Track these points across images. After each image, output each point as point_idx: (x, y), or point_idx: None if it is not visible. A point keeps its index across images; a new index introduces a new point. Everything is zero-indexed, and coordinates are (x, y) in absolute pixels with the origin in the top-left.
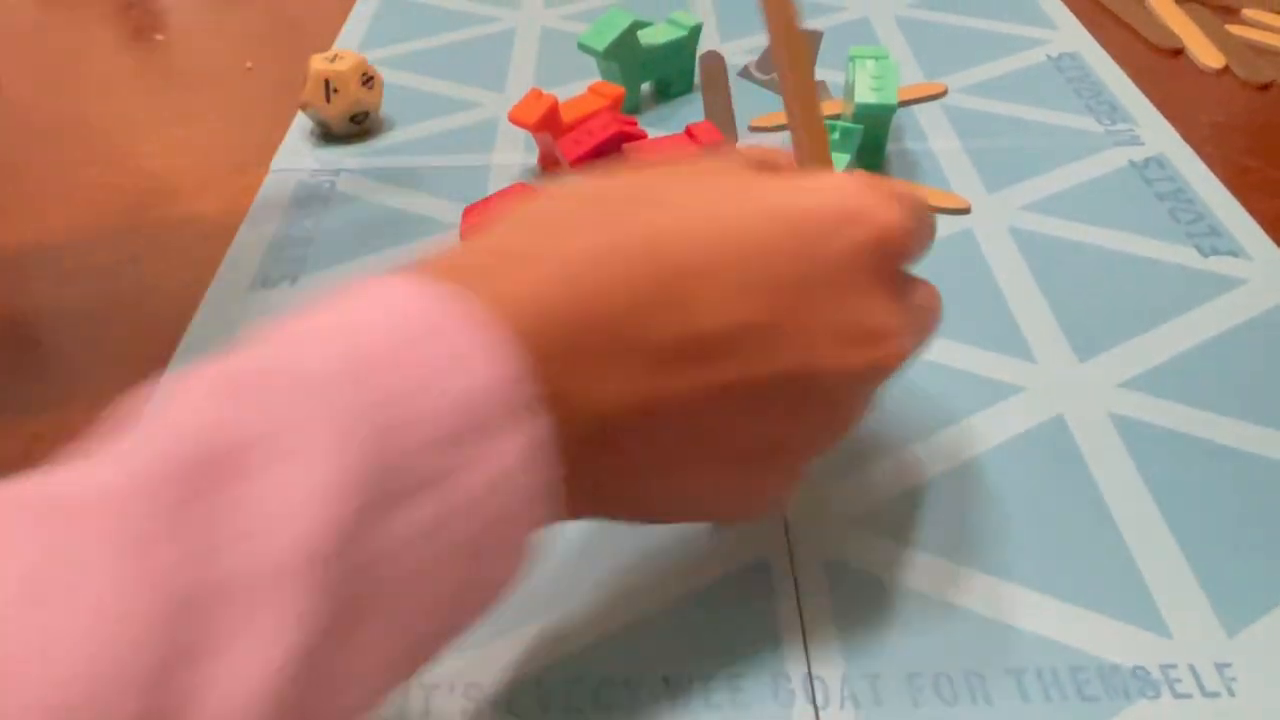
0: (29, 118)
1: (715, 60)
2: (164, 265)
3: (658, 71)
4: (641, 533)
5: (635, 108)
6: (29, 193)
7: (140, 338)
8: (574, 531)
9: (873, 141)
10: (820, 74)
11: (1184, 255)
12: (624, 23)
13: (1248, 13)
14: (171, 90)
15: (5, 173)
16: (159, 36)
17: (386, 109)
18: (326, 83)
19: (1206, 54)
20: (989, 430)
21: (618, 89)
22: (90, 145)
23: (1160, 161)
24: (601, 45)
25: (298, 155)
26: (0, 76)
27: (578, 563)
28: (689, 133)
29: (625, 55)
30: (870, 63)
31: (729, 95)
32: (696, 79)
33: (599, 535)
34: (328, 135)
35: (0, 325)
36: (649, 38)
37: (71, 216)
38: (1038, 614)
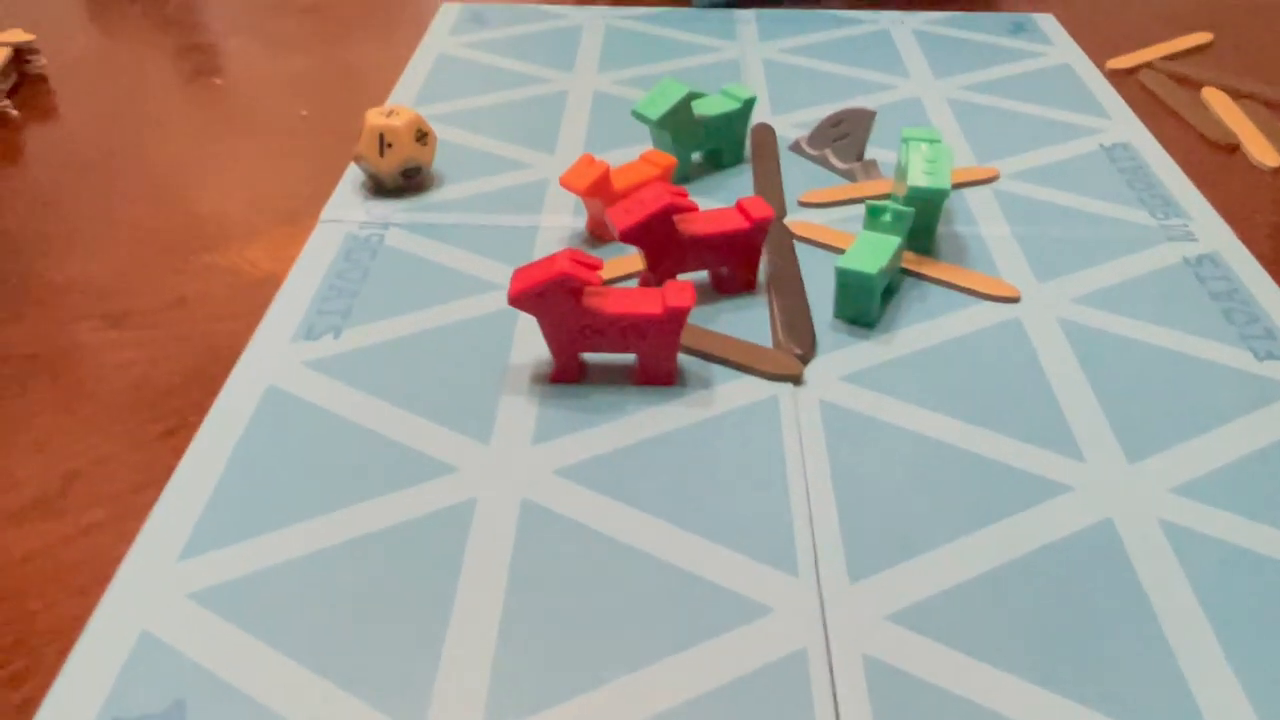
0: (82, 150)
1: (767, 133)
2: (209, 311)
3: (710, 142)
4: (679, 619)
5: (685, 177)
6: (77, 228)
7: (182, 383)
8: (610, 611)
9: (924, 224)
10: (871, 152)
11: (1238, 358)
12: (679, 94)
13: None
14: (225, 134)
15: (54, 205)
16: (218, 80)
17: (438, 165)
18: (381, 137)
19: (1263, 152)
20: (1035, 529)
21: (670, 159)
22: (141, 183)
23: (1214, 259)
24: (656, 115)
25: (348, 207)
26: (22, 108)
27: (614, 646)
28: (739, 207)
29: (679, 126)
30: (924, 146)
31: (779, 168)
32: (747, 151)
33: (636, 617)
34: (379, 188)
35: (44, 362)
36: (703, 109)
37: (119, 255)
38: None
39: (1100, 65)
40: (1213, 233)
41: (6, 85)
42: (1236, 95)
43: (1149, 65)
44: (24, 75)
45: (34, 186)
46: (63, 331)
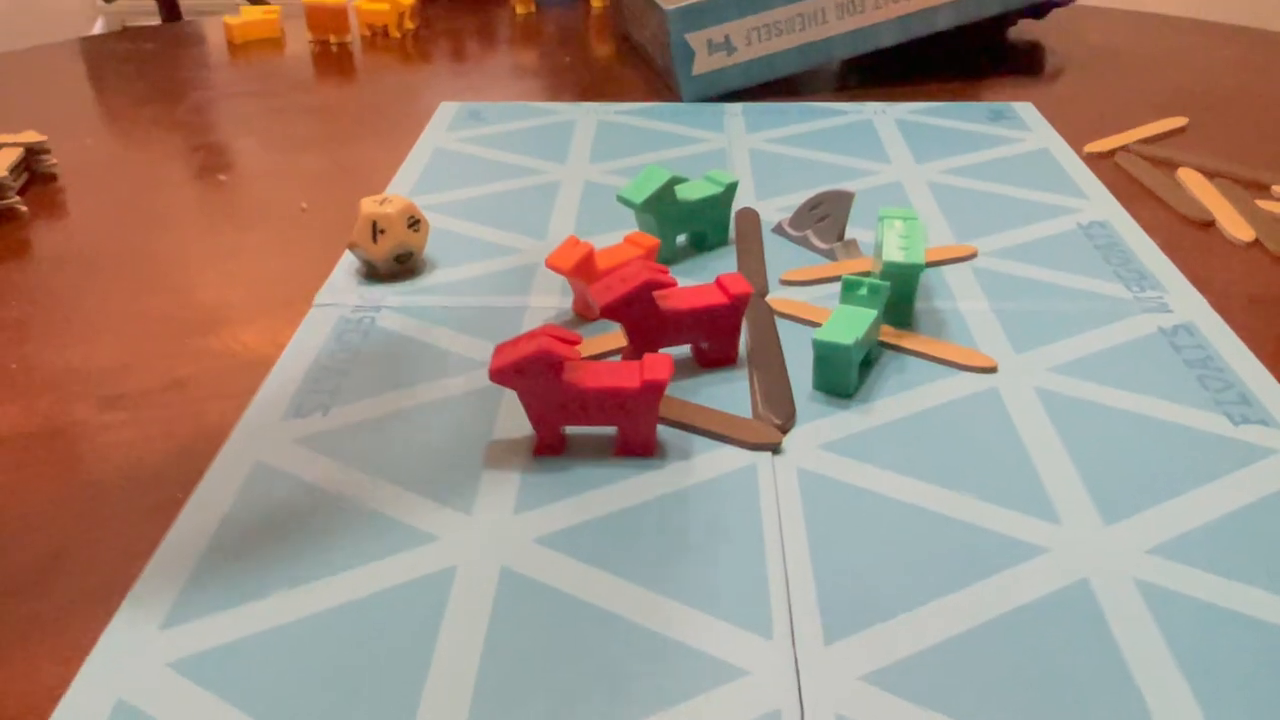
0: (88, 244)
1: (750, 216)
2: (205, 392)
3: (693, 225)
4: (656, 682)
5: (671, 258)
6: (79, 316)
7: (173, 461)
8: (587, 675)
9: (901, 299)
10: (853, 232)
11: (1214, 423)
12: (662, 179)
13: (1277, 188)
14: (227, 227)
15: (58, 295)
16: (222, 177)
17: (431, 251)
18: (374, 224)
19: (1237, 227)
20: (1011, 591)
21: (652, 240)
22: (143, 274)
23: (1189, 329)
24: (639, 199)
25: (342, 291)
26: (32, 204)
27: (590, 710)
28: (719, 283)
29: (662, 209)
30: (899, 223)
31: (762, 249)
32: (731, 233)
33: (613, 681)
34: (373, 274)
35: (39, 442)
36: (686, 193)
37: (117, 341)
38: None
39: (1078, 149)
40: (1187, 304)
41: (18, 184)
42: (1211, 175)
43: (1125, 148)
44: (35, 174)
45: (40, 278)
46: (60, 413)
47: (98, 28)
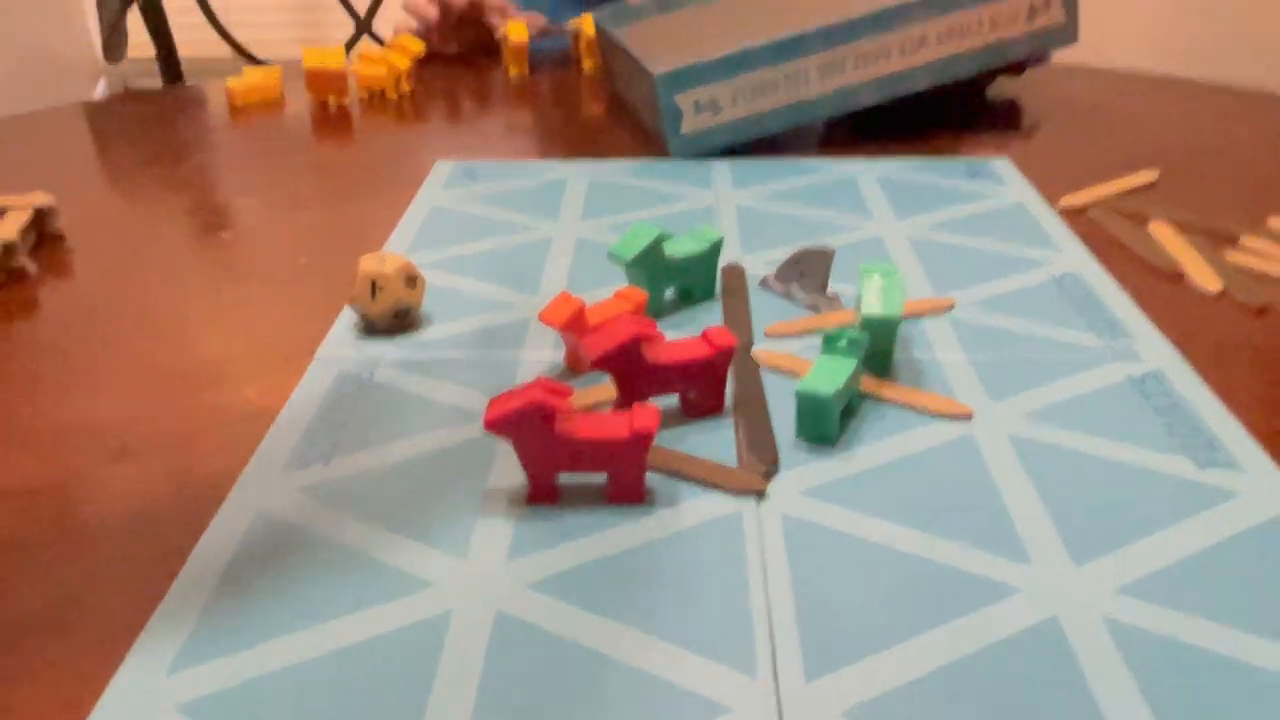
0: (94, 301)
1: (736, 271)
2: (207, 445)
3: (681, 280)
4: (644, 717)
5: (659, 311)
6: (85, 372)
7: (178, 512)
8: (577, 714)
9: (880, 350)
10: (836, 286)
11: (1180, 466)
12: (650, 235)
13: (1245, 240)
14: (229, 283)
15: (65, 352)
16: (225, 234)
17: (428, 306)
18: (373, 283)
19: (1206, 278)
20: (985, 629)
21: (641, 294)
22: (147, 330)
23: (1158, 377)
24: (629, 256)
25: (341, 346)
26: (40, 264)
27: None
28: (705, 336)
29: (651, 265)
30: (878, 277)
31: (747, 303)
32: (718, 288)
33: (601, 718)
34: (372, 329)
35: (46, 496)
36: (674, 249)
37: (122, 397)
38: None
39: (1053, 203)
40: (1157, 352)
41: (27, 245)
42: (1180, 228)
43: (1098, 203)
44: (43, 234)
45: (49, 335)
46: (66, 466)
47: (100, 88)
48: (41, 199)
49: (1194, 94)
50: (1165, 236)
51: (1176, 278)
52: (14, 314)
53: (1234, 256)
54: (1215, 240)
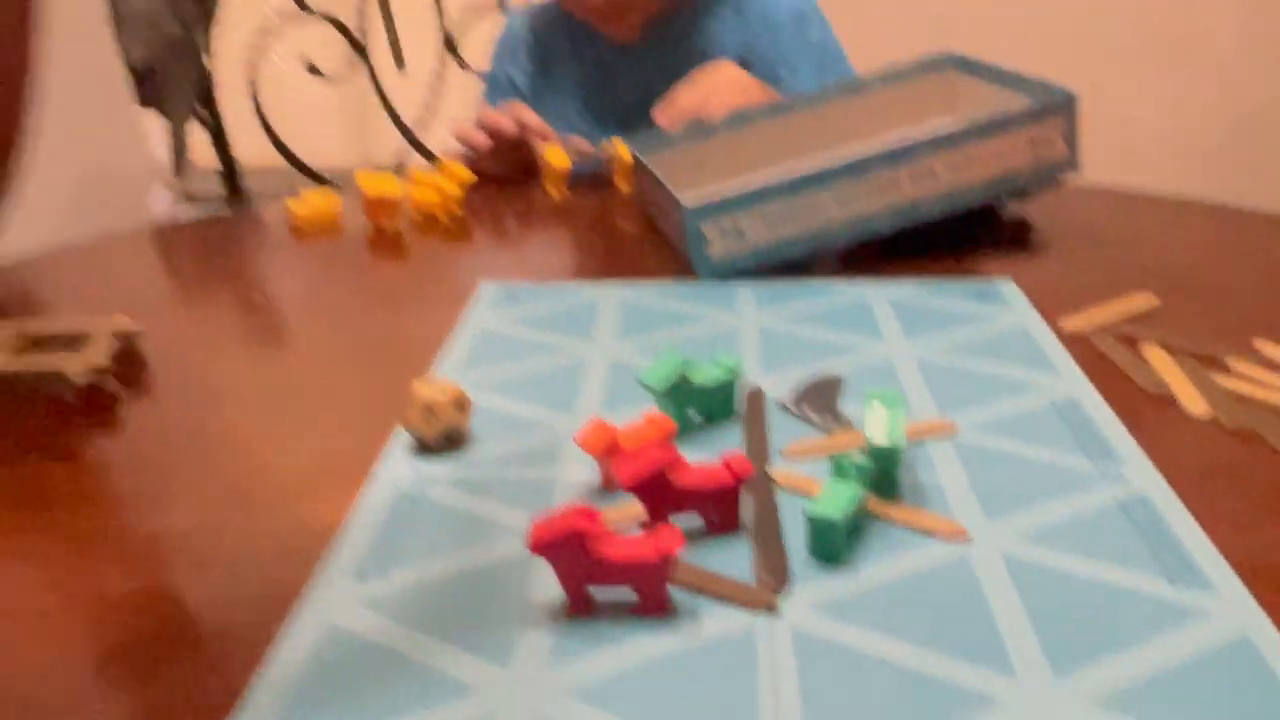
0: (171, 418)
1: (757, 395)
2: (274, 558)
3: (704, 403)
4: None
5: (683, 431)
6: (165, 487)
7: (250, 622)
8: None
9: (885, 474)
10: (848, 403)
11: (1157, 586)
12: (676, 366)
13: (1234, 365)
14: (294, 399)
15: (147, 467)
16: (278, 351)
17: (475, 426)
18: (425, 408)
19: (1193, 403)
20: None
21: (671, 424)
22: (220, 446)
23: (1143, 500)
24: (660, 388)
25: (397, 465)
26: (123, 384)
27: None
28: (725, 463)
29: (678, 391)
30: (881, 406)
31: (765, 425)
32: (739, 407)
33: None
34: (424, 449)
35: (129, 604)
36: (698, 376)
37: (198, 510)
38: None
39: (1054, 325)
40: (1143, 477)
41: (111, 367)
42: (1172, 351)
43: (1096, 326)
44: (126, 357)
45: (132, 451)
46: (149, 576)
47: (162, 202)
48: (124, 323)
49: (1198, 215)
50: (1158, 360)
51: (1168, 402)
52: (104, 432)
53: (1223, 380)
54: (1206, 364)
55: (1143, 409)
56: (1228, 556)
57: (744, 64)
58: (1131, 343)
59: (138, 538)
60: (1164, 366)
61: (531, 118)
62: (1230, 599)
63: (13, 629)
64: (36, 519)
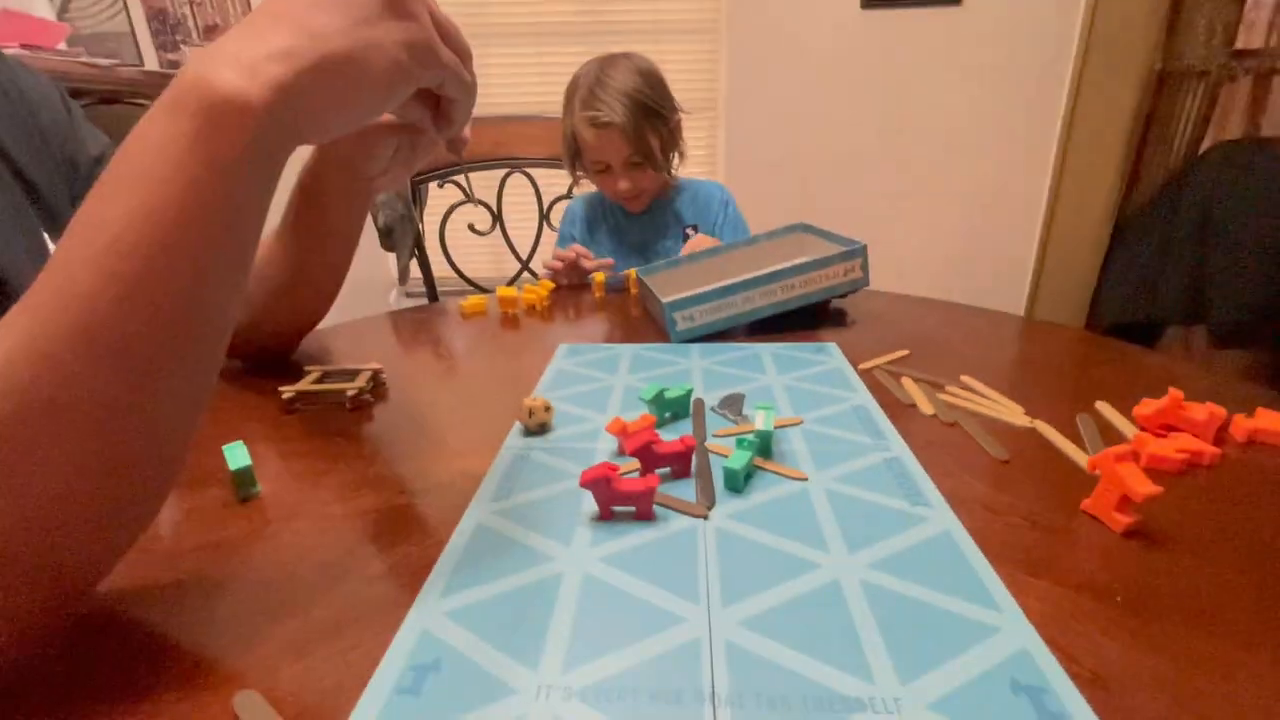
0: (398, 416)
1: (699, 403)
2: (453, 487)
3: (671, 408)
4: None
5: (660, 424)
6: (392, 451)
7: (440, 521)
8: None
9: (764, 446)
10: (746, 411)
11: (903, 506)
12: (656, 389)
13: (949, 388)
14: (465, 407)
15: (384, 441)
16: (454, 379)
17: (556, 421)
18: (530, 410)
19: (926, 407)
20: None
21: (653, 419)
22: (428, 430)
23: (898, 460)
24: (648, 399)
25: (514, 439)
26: (376, 402)
27: None
28: (682, 440)
29: (657, 402)
30: (762, 411)
31: (704, 420)
32: (690, 410)
33: None
34: (529, 433)
35: (381, 512)
36: (669, 394)
37: (415, 463)
38: None
39: (855, 366)
40: (898, 448)
41: (368, 389)
42: (917, 380)
43: (877, 366)
44: (377, 384)
45: (378, 434)
46: (388, 496)
47: (393, 298)
48: (375, 365)
49: (935, 308)
50: (908, 385)
51: (911, 407)
52: (363, 424)
53: (941, 395)
54: (933, 387)
55: (898, 411)
56: (940, 490)
57: (696, 228)
58: (895, 376)
59: (381, 476)
60: (911, 388)
61: (585, 253)
62: (940, 512)
63: (319, 524)
64: (332, 466)
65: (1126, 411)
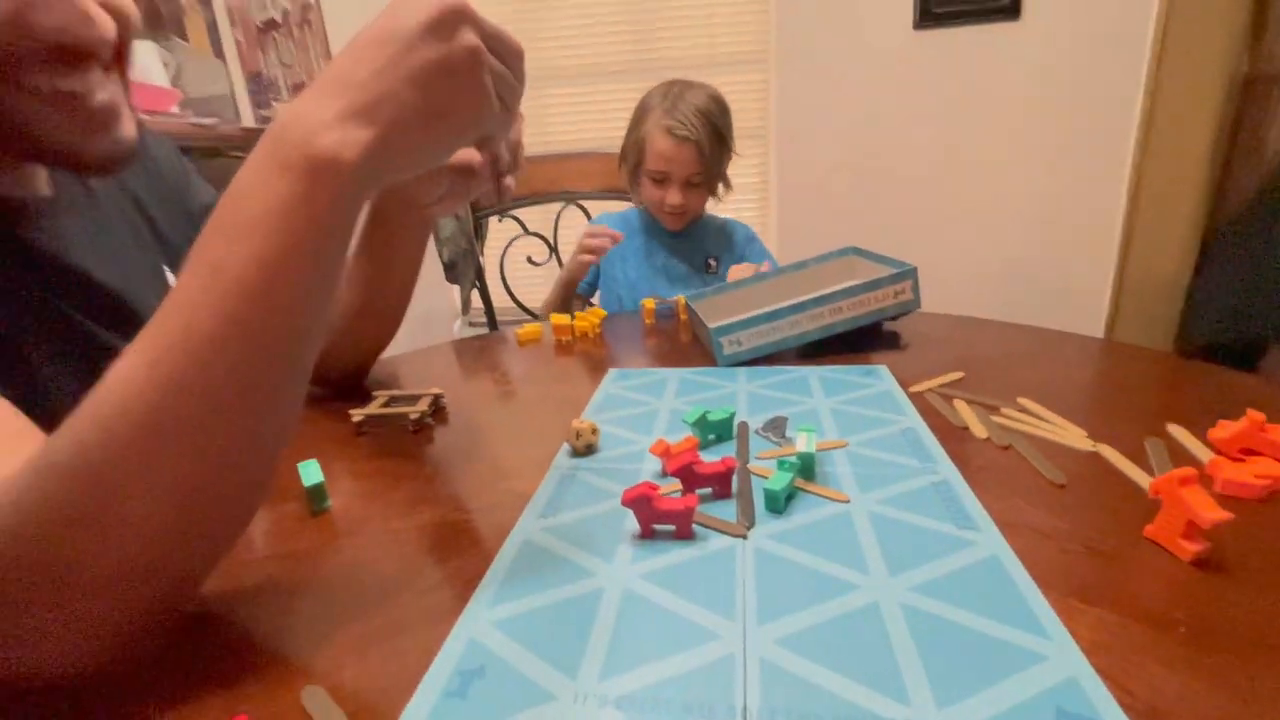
0: (457, 439)
1: (743, 425)
2: (503, 505)
3: (716, 430)
4: None
5: (704, 445)
6: (449, 470)
7: (492, 534)
8: None
9: (806, 468)
10: (790, 434)
11: (950, 529)
12: (700, 411)
13: (1003, 410)
14: (518, 429)
15: (444, 460)
16: (510, 402)
17: (601, 443)
18: (577, 432)
19: (979, 430)
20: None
21: (696, 441)
22: (481, 452)
23: (946, 483)
24: (691, 421)
25: (561, 459)
26: (437, 423)
27: None
28: (724, 461)
29: (701, 424)
30: (804, 433)
31: (748, 442)
32: (734, 432)
33: None
34: (576, 454)
35: (440, 525)
36: (712, 416)
37: (468, 482)
38: None
39: (906, 389)
40: (948, 470)
41: (430, 413)
42: (970, 403)
43: (928, 389)
44: (438, 408)
45: (439, 454)
46: (447, 511)
47: (457, 327)
48: (437, 390)
49: (990, 329)
50: (960, 408)
51: (964, 430)
52: (424, 445)
53: (995, 418)
54: (988, 410)
55: (949, 434)
56: (990, 514)
57: (718, 260)
58: (947, 399)
59: (439, 493)
60: (963, 411)
61: (617, 236)
62: (989, 536)
63: (381, 537)
64: (395, 483)
65: (1202, 435)
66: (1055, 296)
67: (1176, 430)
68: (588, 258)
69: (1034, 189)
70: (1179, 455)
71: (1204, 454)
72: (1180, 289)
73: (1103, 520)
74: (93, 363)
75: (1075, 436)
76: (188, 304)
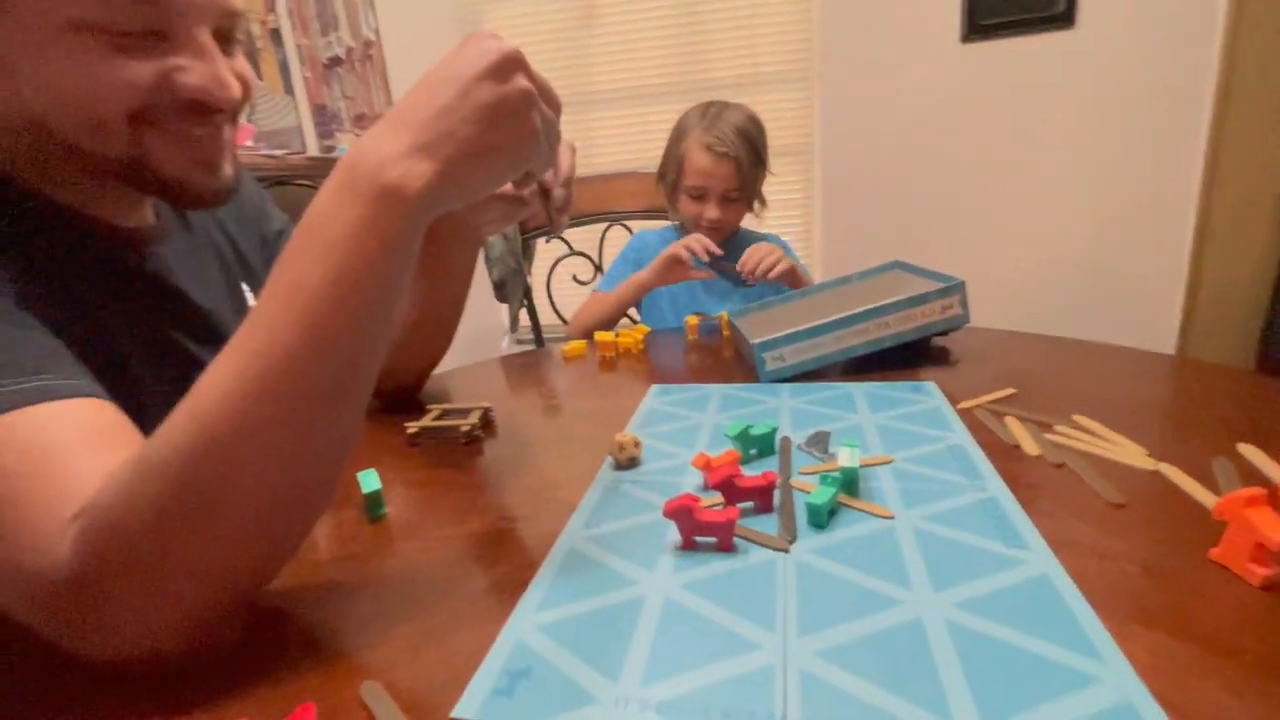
0: (505, 451)
1: (785, 440)
2: (549, 516)
3: (757, 444)
4: None
5: (745, 460)
6: (498, 483)
7: (539, 543)
8: None
9: (849, 482)
10: (832, 449)
11: (997, 548)
12: (742, 425)
13: (1057, 428)
14: (562, 441)
15: (492, 472)
16: (555, 417)
17: (644, 456)
18: (620, 445)
19: (1030, 448)
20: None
21: (737, 455)
22: (527, 463)
23: (995, 501)
24: (733, 435)
25: (605, 472)
26: (486, 436)
27: None
28: (765, 475)
29: (743, 439)
30: (847, 449)
31: (790, 457)
32: (776, 447)
33: None
34: (619, 466)
35: (488, 535)
36: (754, 431)
37: (516, 493)
38: None
39: (955, 405)
40: (997, 488)
41: (480, 426)
42: (1021, 420)
43: (978, 406)
44: (487, 421)
45: (488, 466)
46: (496, 520)
47: (505, 344)
48: (486, 404)
49: (1044, 344)
50: (1012, 425)
51: (1015, 448)
52: (474, 457)
53: (1048, 435)
54: (1040, 427)
55: (999, 451)
56: (1041, 533)
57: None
58: (998, 415)
59: (488, 503)
60: (1015, 428)
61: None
62: (1040, 555)
63: (434, 543)
64: (447, 493)
65: (1277, 455)
66: (1122, 312)
67: (1248, 450)
68: (685, 254)
69: (1094, 199)
70: (1250, 476)
71: (1278, 474)
72: (1262, 304)
73: (1163, 541)
74: (184, 374)
75: (1135, 455)
76: (270, 318)
